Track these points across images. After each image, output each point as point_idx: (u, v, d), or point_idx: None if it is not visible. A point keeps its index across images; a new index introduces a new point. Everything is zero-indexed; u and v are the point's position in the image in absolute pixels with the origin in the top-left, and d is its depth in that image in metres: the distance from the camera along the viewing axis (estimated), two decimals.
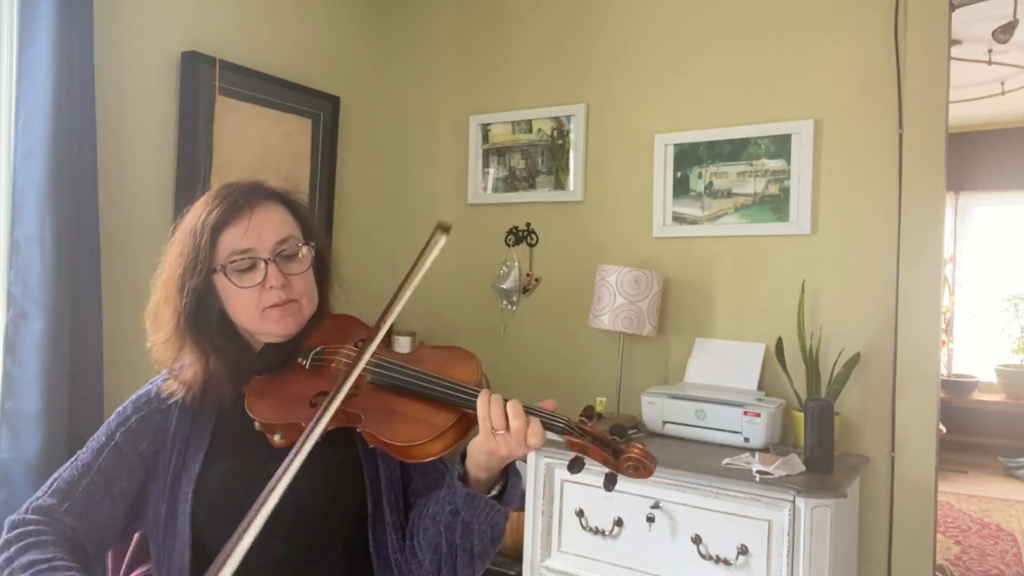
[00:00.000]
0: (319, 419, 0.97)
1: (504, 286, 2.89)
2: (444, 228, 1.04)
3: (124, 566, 1.23)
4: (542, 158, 2.83)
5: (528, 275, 2.87)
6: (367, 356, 1.02)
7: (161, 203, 2.36)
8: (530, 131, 2.86)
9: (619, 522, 2.02)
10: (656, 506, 1.98)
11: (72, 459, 1.14)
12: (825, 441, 1.96)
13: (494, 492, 1.05)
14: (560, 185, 2.80)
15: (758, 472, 1.89)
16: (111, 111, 2.19)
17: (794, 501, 1.82)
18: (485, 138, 2.95)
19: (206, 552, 1.07)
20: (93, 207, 2.05)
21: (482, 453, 1.01)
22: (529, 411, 0.99)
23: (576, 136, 2.75)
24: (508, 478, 1.06)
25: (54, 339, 1.93)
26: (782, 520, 1.83)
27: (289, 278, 1.12)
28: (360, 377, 1.07)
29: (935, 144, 2.18)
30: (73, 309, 2.00)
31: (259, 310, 1.11)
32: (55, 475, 1.13)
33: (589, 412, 1.03)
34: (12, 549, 1.02)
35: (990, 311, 5.76)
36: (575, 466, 0.98)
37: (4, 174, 1.99)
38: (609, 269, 2.45)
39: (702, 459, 2.02)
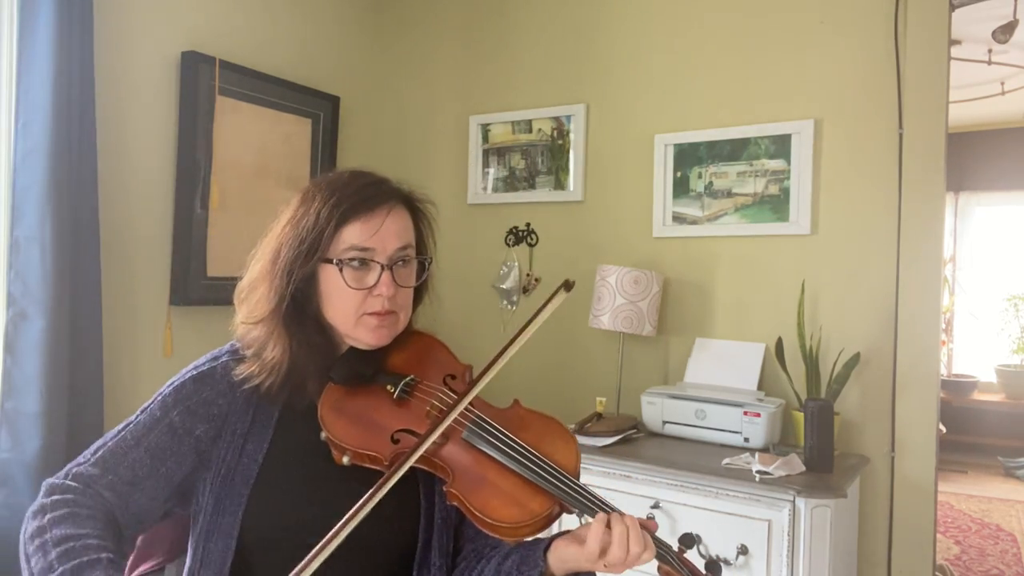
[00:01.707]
0: (396, 470, 0.93)
1: (504, 286, 2.89)
2: (568, 286, 1.02)
3: (128, 564, 1.23)
4: (542, 158, 2.84)
5: (528, 275, 2.87)
6: (459, 409, 1.00)
7: (161, 203, 2.36)
8: (530, 131, 2.86)
9: None
10: (656, 506, 1.98)
11: (120, 427, 1.08)
12: (825, 441, 1.96)
13: None
14: (560, 185, 2.80)
15: (758, 472, 1.89)
16: (111, 111, 2.19)
17: (794, 501, 1.82)
18: (485, 138, 2.95)
19: (247, 558, 1.04)
20: (93, 207, 2.05)
21: (576, 562, 0.96)
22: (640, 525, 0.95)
23: (576, 136, 2.75)
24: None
25: (54, 339, 1.93)
26: (782, 520, 1.83)
27: (397, 289, 1.08)
28: (455, 430, 1.03)
29: (935, 144, 2.18)
30: (73, 309, 2.00)
31: (358, 314, 1.07)
32: (100, 441, 1.07)
33: (689, 542, 1.00)
34: (47, 518, 0.96)
35: (990, 311, 5.77)
36: None
37: (4, 174, 1.99)
38: (609, 269, 2.45)
39: (702, 459, 2.02)
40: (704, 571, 0.96)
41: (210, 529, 1.06)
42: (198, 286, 2.40)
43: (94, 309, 2.06)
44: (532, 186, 2.85)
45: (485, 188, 2.96)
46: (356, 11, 3.08)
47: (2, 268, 1.98)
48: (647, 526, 0.97)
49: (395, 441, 1.02)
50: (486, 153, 2.96)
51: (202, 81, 2.40)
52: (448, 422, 0.99)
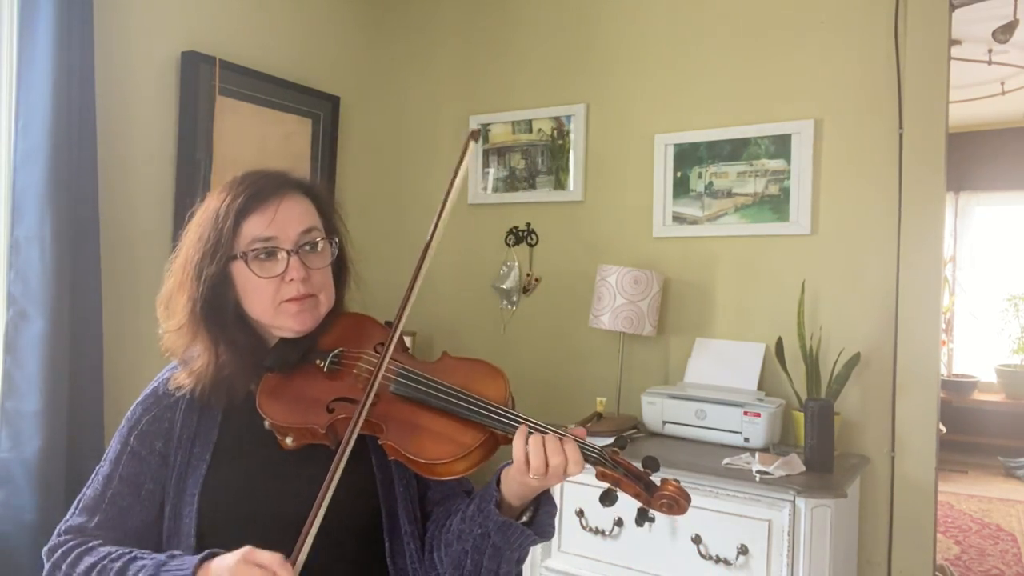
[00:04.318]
0: (351, 433, 0.95)
1: (504, 286, 2.89)
2: (475, 136, 1.00)
3: None
4: (542, 158, 2.83)
5: (528, 275, 2.87)
6: (388, 354, 1.01)
7: (161, 203, 2.36)
8: (530, 131, 2.86)
9: (619, 522, 2.02)
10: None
11: (92, 476, 1.13)
12: (825, 441, 1.96)
13: (525, 518, 1.03)
14: (560, 185, 2.80)
15: (758, 472, 1.89)
16: (111, 111, 2.19)
17: (794, 501, 1.82)
18: (485, 138, 2.95)
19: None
20: (93, 207, 2.05)
21: (515, 483, 0.99)
22: (562, 436, 0.96)
23: (576, 136, 2.75)
24: (540, 504, 1.04)
25: (54, 339, 1.93)
26: (782, 520, 1.83)
27: (309, 272, 1.09)
28: (383, 385, 1.05)
29: (935, 144, 2.18)
30: (73, 309, 1.99)
31: (275, 303, 1.08)
32: (78, 497, 1.11)
33: (622, 443, 1.00)
34: (63, 568, 1.01)
35: (990, 311, 5.76)
36: (607, 499, 0.96)
37: (4, 174, 1.99)
38: (609, 269, 2.45)
39: (702, 459, 2.02)
40: (641, 468, 0.97)
41: (170, 534, 1.08)
42: None
43: (94, 309, 2.06)
44: (532, 186, 2.85)
45: (485, 188, 2.96)
46: (356, 11, 3.08)
47: (2, 268, 1.98)
48: (574, 434, 0.99)
49: (330, 411, 1.04)
50: (486, 153, 2.96)
51: (202, 81, 2.40)
52: (383, 367, 1.01)
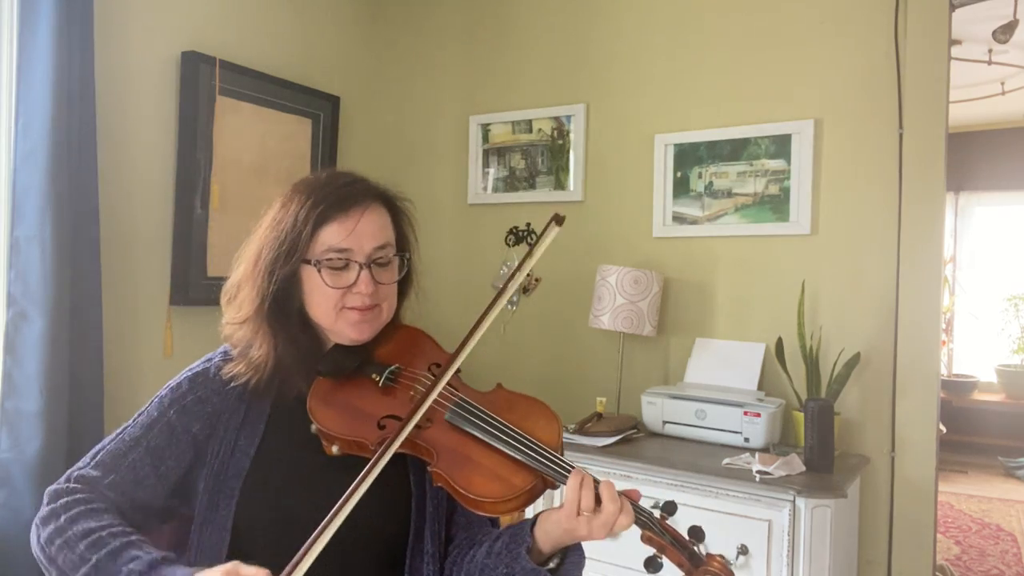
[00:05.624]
0: (384, 451, 0.95)
1: None
2: (559, 220, 1.02)
3: None
4: (542, 158, 2.83)
5: (528, 275, 2.87)
6: (441, 384, 1.01)
7: (161, 203, 2.36)
8: (530, 131, 2.86)
9: None
10: (656, 506, 1.97)
11: (118, 431, 1.11)
12: (825, 441, 1.97)
13: (552, 564, 1.02)
14: (560, 185, 2.80)
15: (758, 472, 1.89)
16: (111, 111, 2.19)
17: (794, 501, 1.82)
18: (485, 138, 2.95)
19: (243, 548, 1.05)
20: (93, 207, 2.05)
21: (559, 528, 0.98)
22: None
23: (576, 136, 2.75)
24: (568, 553, 1.03)
25: (54, 339, 1.93)
26: (782, 520, 1.83)
27: (377, 286, 1.10)
28: (437, 412, 1.05)
29: (935, 144, 2.18)
30: (73, 309, 2.00)
31: (337, 308, 1.09)
32: (99, 446, 1.10)
33: (671, 508, 1.01)
34: (62, 519, 0.99)
35: (990, 311, 5.77)
36: (651, 566, 0.96)
37: (4, 174, 1.99)
38: (609, 269, 2.45)
39: (702, 459, 2.02)
40: (687, 536, 0.97)
41: (205, 521, 1.08)
42: (198, 286, 2.40)
43: (94, 309, 2.06)
44: (532, 186, 2.85)
45: (485, 188, 2.96)
46: (356, 11, 3.08)
47: (2, 268, 1.98)
48: (629, 494, 0.99)
49: (381, 427, 1.04)
50: (486, 153, 2.96)
51: (202, 81, 2.40)
52: (434, 395, 1.01)
